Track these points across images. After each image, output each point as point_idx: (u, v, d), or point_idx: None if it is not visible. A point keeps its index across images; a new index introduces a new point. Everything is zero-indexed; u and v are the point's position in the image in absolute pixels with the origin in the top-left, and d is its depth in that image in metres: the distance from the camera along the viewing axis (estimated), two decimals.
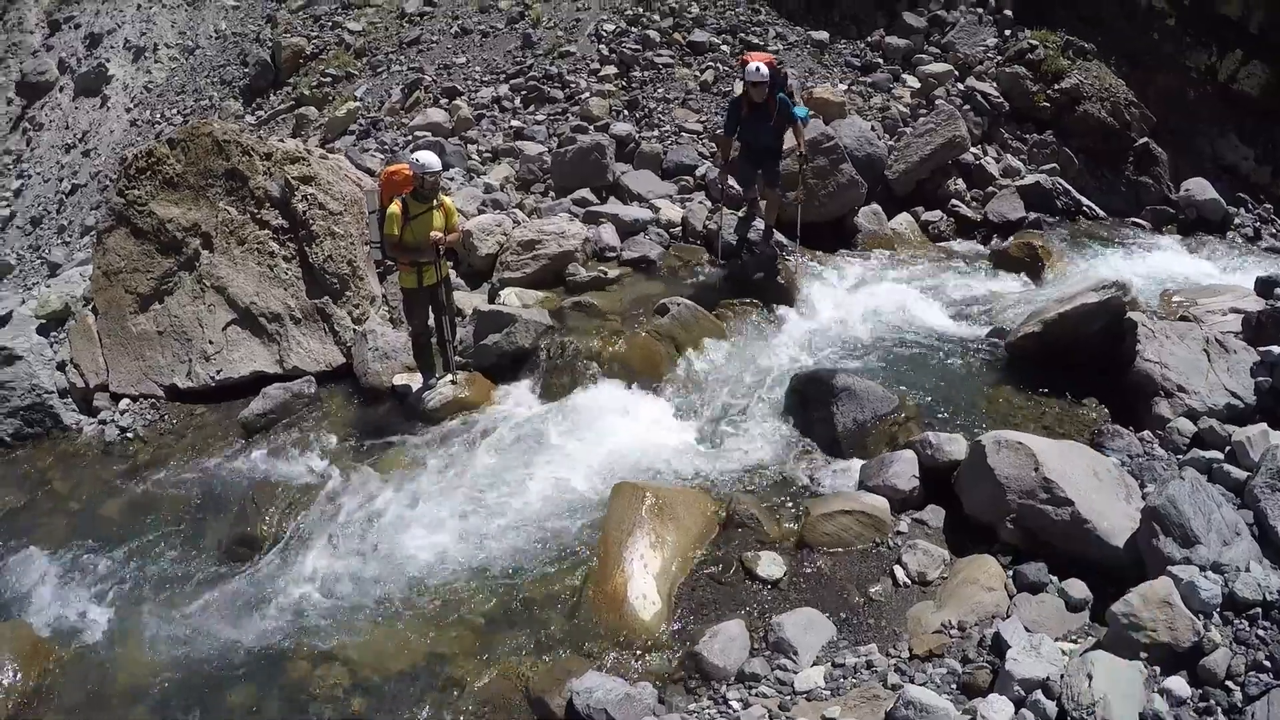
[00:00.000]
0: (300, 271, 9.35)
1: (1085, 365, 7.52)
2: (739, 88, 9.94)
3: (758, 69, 8.84)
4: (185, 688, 5.57)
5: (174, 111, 19.79)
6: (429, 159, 7.67)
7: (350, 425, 8.25)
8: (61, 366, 9.51)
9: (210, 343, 9.12)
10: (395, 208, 7.56)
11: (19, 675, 5.76)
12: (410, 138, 14.10)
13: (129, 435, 8.69)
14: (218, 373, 9.04)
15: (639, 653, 5.30)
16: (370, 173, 11.31)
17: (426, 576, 6.12)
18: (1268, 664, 4.14)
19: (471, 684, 5.20)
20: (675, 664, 5.19)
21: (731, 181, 10.31)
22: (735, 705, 4.77)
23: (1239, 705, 4.03)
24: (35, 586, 6.79)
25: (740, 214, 10.96)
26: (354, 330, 9.27)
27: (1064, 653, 4.50)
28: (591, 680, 4.86)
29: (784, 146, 9.84)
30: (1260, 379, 6.70)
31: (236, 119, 18.06)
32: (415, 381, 8.35)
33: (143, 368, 9.17)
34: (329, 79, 17.65)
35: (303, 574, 6.34)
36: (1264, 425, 5.89)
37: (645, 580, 5.66)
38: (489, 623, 5.66)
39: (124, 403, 9.08)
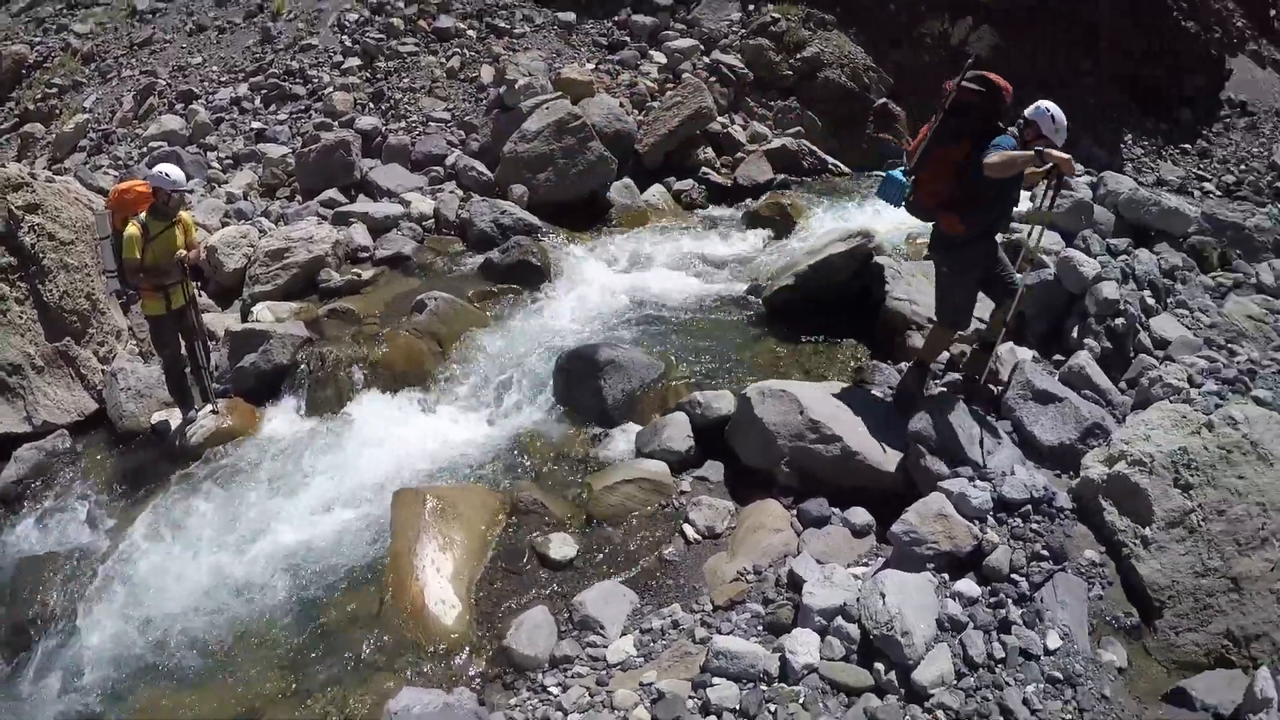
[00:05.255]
0: (35, 313, 8.28)
1: (840, 311, 7.90)
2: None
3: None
4: None
5: None
6: (177, 174, 7.12)
7: (113, 476, 7.52)
8: None
9: None
10: (134, 229, 6.93)
11: None
12: (145, 149, 13.21)
13: None
14: None
15: (450, 659, 5.13)
16: (103, 193, 10.32)
17: (222, 625, 5.65)
18: (1045, 553, 4.56)
19: None
20: (487, 662, 5.05)
21: None
22: (554, 690, 4.70)
23: (1027, 594, 4.39)
24: None
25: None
26: (103, 371, 8.42)
27: (856, 577, 4.67)
28: (408, 697, 4.66)
29: None
30: None
31: None
32: (175, 417, 7.73)
33: None
34: (55, 90, 16.26)
35: (91, 651, 5.68)
36: (1010, 344, 6.46)
37: (441, 584, 5.48)
38: (295, 660, 5.29)
39: None
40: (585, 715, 4.41)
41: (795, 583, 4.77)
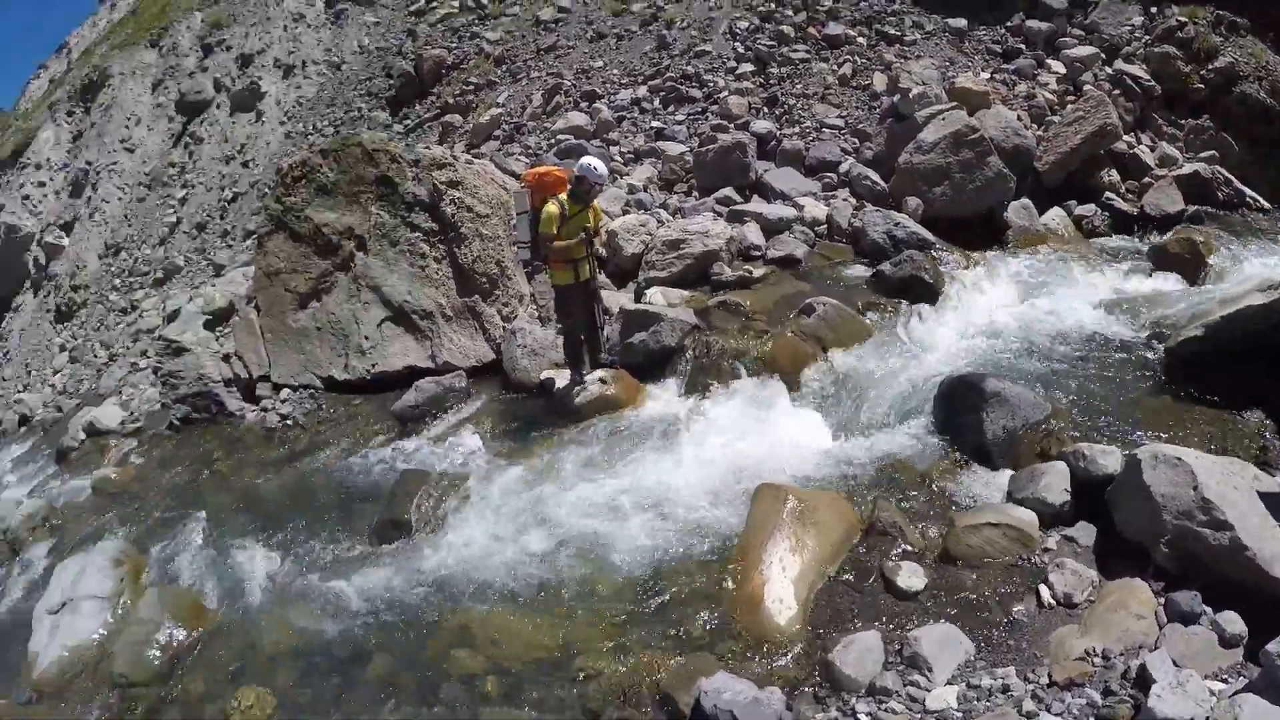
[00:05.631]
0: (450, 271, 9.76)
1: (1253, 373, 6.97)
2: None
3: None
4: (328, 656, 5.89)
5: (325, 123, 20.98)
6: (602, 168, 7.98)
7: (499, 418, 8.50)
8: (227, 358, 10.21)
9: (366, 338, 9.62)
10: (554, 208, 7.79)
11: (180, 635, 6.36)
12: (553, 141, 14.44)
13: (289, 422, 9.29)
14: (373, 366, 9.54)
15: (771, 656, 5.21)
16: (515, 175, 11.63)
17: (566, 566, 6.22)
18: None
19: (603, 675, 5.21)
20: (806, 671, 5.08)
21: None
22: (864, 718, 4.67)
23: None
24: (199, 556, 7.38)
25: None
26: (504, 328, 9.63)
27: (1212, 693, 4.23)
28: (721, 681, 4.81)
29: None
30: None
31: (385, 128, 18.94)
32: (563, 378, 8.56)
33: (302, 360, 9.74)
34: (471, 87, 18.25)
35: (447, 558, 6.54)
36: None
37: (783, 584, 5.58)
38: (624, 615, 5.67)
39: (284, 392, 9.70)
40: None
41: (1144, 680, 4.34)
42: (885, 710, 4.70)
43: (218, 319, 11.39)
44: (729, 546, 6.07)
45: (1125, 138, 13.02)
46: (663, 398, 8.25)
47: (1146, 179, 12.61)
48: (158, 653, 6.23)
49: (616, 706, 5.03)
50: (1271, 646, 4.14)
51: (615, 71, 16.21)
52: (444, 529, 6.88)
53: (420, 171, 9.94)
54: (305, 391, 9.63)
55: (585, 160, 7.99)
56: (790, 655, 5.23)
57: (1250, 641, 4.65)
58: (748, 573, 5.68)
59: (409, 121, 19.21)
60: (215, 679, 5.94)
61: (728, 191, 12.02)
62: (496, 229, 9.90)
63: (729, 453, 7.21)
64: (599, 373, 8.37)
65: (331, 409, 9.35)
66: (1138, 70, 13.94)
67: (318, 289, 9.88)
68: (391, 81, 20.51)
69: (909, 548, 5.87)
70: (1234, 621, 4.75)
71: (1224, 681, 4.44)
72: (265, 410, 9.57)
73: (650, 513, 6.63)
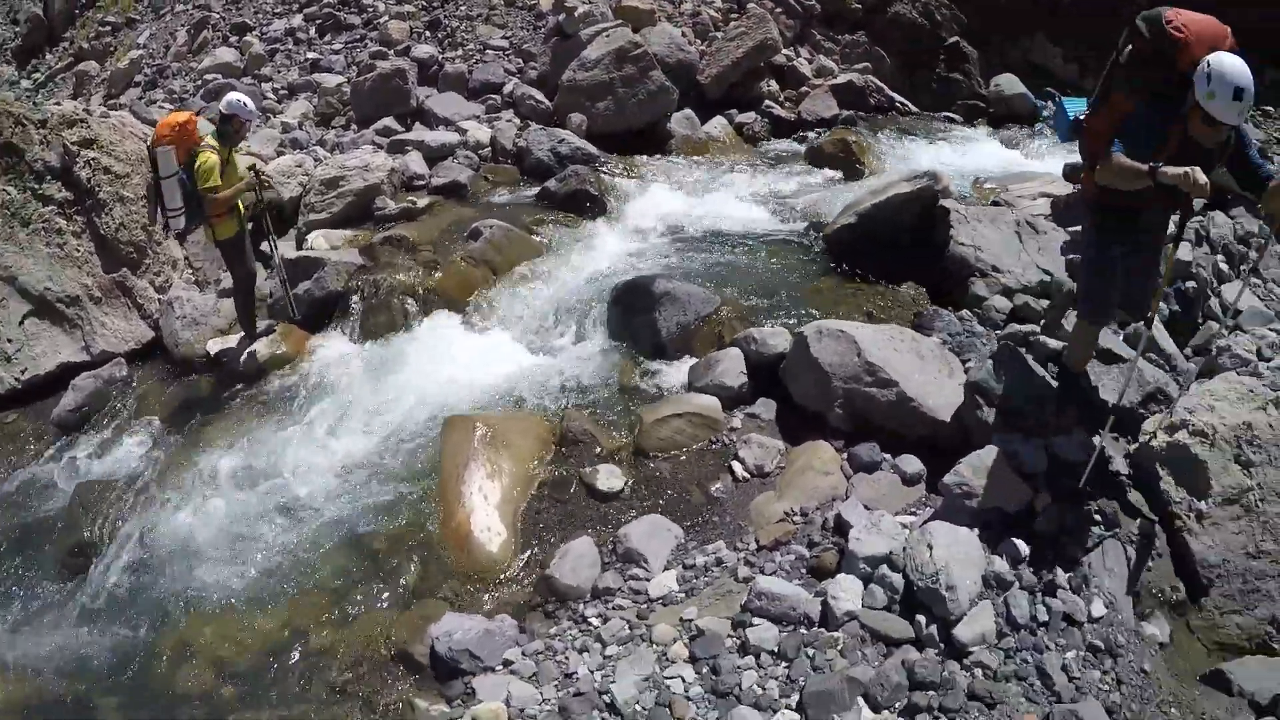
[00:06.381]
0: (93, 246, 8.54)
1: (901, 253, 7.65)
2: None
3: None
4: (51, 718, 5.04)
5: None
6: (251, 103, 7.44)
7: (169, 402, 7.73)
8: None
9: (9, 341, 8.15)
10: (211, 155, 7.07)
11: None
12: (200, 83, 13.34)
13: None
14: (23, 373, 8.11)
15: (493, 586, 5.20)
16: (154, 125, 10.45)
17: (271, 547, 5.76)
18: (1097, 518, 4.38)
19: (337, 649, 4.96)
20: (530, 591, 5.10)
21: None
22: (595, 621, 4.73)
23: (1075, 558, 4.24)
24: None
25: None
26: (159, 300, 8.66)
27: (904, 526, 4.59)
28: (450, 623, 4.77)
29: None
30: (1070, 256, 7.04)
31: (10, 85, 16.54)
32: (229, 344, 7.89)
33: None
34: (108, 28, 16.45)
35: (145, 570, 5.85)
36: None
37: (488, 512, 5.53)
38: (342, 583, 5.38)
39: None
40: (624, 647, 4.43)
41: (842, 527, 4.71)
42: (613, 609, 4.80)
43: None
44: (428, 486, 5.90)
45: (785, 51, 13.82)
46: (335, 346, 7.83)
47: (804, 88, 13.47)
48: None
49: (357, 677, 4.79)
50: (948, 478, 4.60)
51: (269, 1, 15.06)
52: (134, 540, 6.10)
53: (48, 133, 8.55)
54: None
55: (231, 96, 7.41)
56: (511, 580, 5.24)
57: (930, 477, 5.14)
58: (451, 509, 5.59)
59: (38, 75, 16.88)
60: None
61: (388, 121, 11.67)
62: (139, 189, 8.81)
63: (412, 391, 6.98)
64: (264, 330, 7.84)
65: None
66: None
67: None
68: (17, 29, 17.84)
69: (603, 451, 5.95)
70: (912, 462, 5.26)
71: (912, 514, 4.88)
72: None
73: (340, 468, 6.30)
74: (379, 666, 4.81)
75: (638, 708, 4.07)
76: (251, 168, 7.41)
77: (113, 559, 6.00)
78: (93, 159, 8.63)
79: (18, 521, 6.71)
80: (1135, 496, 4.55)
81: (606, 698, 4.15)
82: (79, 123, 8.79)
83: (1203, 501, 4.39)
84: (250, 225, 7.71)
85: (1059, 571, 4.20)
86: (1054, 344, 5.66)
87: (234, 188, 7.24)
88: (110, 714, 4.96)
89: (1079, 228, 7.16)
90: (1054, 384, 5.10)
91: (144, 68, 14.56)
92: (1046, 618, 4.03)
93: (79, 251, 8.45)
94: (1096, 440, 4.57)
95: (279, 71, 13.46)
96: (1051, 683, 3.79)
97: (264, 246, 8.16)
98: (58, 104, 10.06)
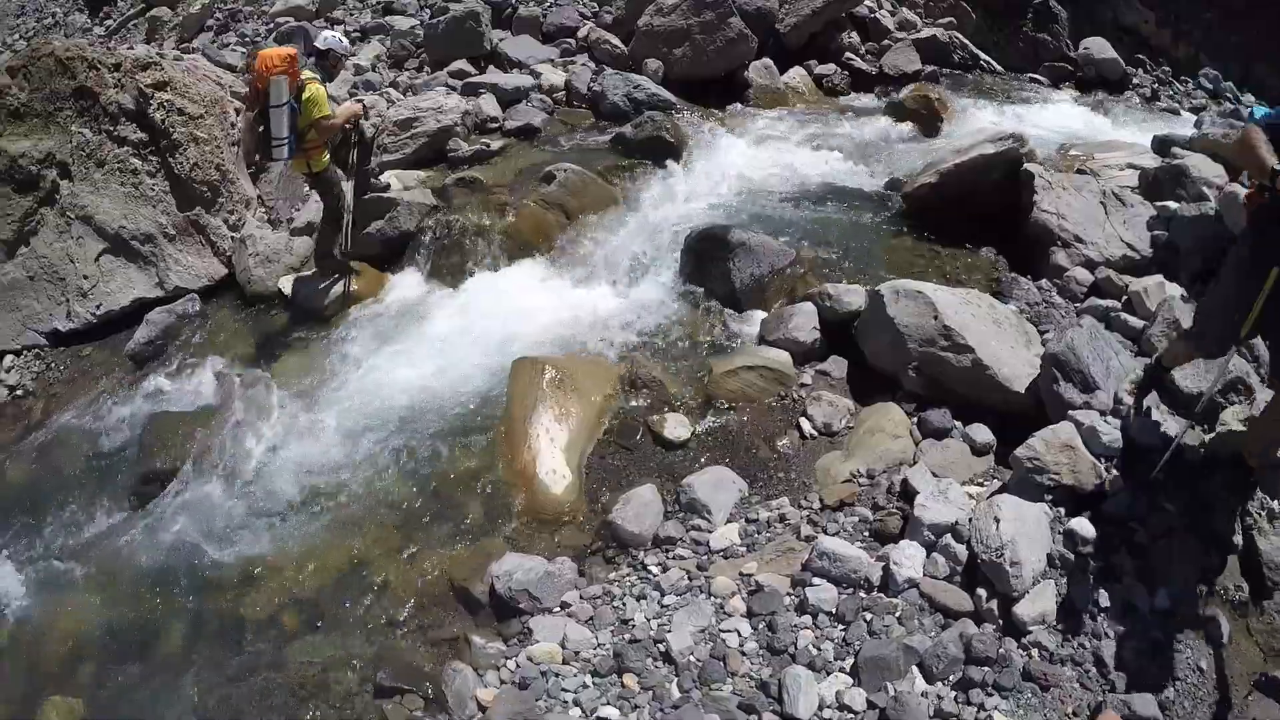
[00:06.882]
0: (167, 185, 8.65)
1: (982, 216, 7.45)
2: None
3: None
4: (117, 638, 5.21)
5: (15, 37, 18.26)
6: (346, 40, 7.82)
7: (241, 338, 7.81)
8: None
9: (85, 278, 8.38)
10: (321, 87, 7.20)
11: None
12: (272, 26, 13.37)
13: (19, 393, 7.99)
14: (98, 308, 8.34)
15: (555, 528, 5.20)
16: (231, 69, 10.67)
17: (338, 481, 5.84)
18: (1169, 507, 4.25)
19: (398, 584, 5.04)
20: (592, 535, 5.11)
21: None
22: (654, 570, 4.75)
23: (1143, 545, 4.14)
24: None
25: None
26: (232, 238, 8.74)
27: (971, 497, 4.54)
28: (510, 562, 4.80)
29: None
30: (1156, 232, 6.78)
31: (84, 33, 16.69)
32: (301, 281, 7.94)
33: (20, 319, 8.38)
34: None
35: (212, 500, 5.95)
36: (1160, 277, 6.00)
37: (553, 455, 5.52)
38: (406, 518, 5.44)
39: (8, 360, 8.31)
40: (682, 598, 4.47)
41: (908, 493, 4.66)
42: (673, 558, 4.81)
43: None
44: (495, 428, 5.91)
45: (867, 2, 13.39)
46: (408, 286, 7.85)
47: (886, 41, 13.04)
48: None
49: (416, 611, 4.88)
50: (1020, 451, 4.48)
51: None
52: (203, 471, 6.22)
53: (122, 76, 8.64)
54: (30, 353, 8.32)
55: (327, 33, 7.69)
56: (574, 523, 5.24)
57: (999, 449, 5.04)
58: (517, 450, 5.58)
59: (110, 22, 16.99)
60: (9, 705, 5.09)
61: (461, 64, 11.49)
62: (213, 130, 8.87)
63: (482, 332, 6.96)
64: (340, 267, 7.86)
65: (62, 366, 8.13)
66: None
67: (24, 232, 8.44)
68: None
69: (671, 399, 5.93)
70: (983, 431, 5.15)
71: (980, 485, 4.80)
72: None
73: (411, 408, 6.32)
74: (438, 602, 4.88)
75: (692, 658, 4.12)
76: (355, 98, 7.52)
77: (182, 488, 6.12)
78: (166, 101, 8.69)
79: (92, 451, 6.91)
80: (1208, 488, 4.37)
81: (662, 646, 4.21)
82: (152, 65, 8.85)
83: (1277, 501, 4.23)
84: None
85: (1125, 558, 4.11)
86: (1135, 322, 5.51)
87: (347, 108, 7.41)
88: (175, 634, 5.14)
89: (1167, 203, 6.96)
90: (1134, 363, 4.94)
91: (215, 12, 14.63)
92: (1108, 604, 3.97)
93: (154, 190, 8.58)
94: (1175, 427, 4.43)
95: (351, 14, 13.46)
96: (1107, 670, 3.76)
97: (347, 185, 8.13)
98: (131, 48, 10.16)
